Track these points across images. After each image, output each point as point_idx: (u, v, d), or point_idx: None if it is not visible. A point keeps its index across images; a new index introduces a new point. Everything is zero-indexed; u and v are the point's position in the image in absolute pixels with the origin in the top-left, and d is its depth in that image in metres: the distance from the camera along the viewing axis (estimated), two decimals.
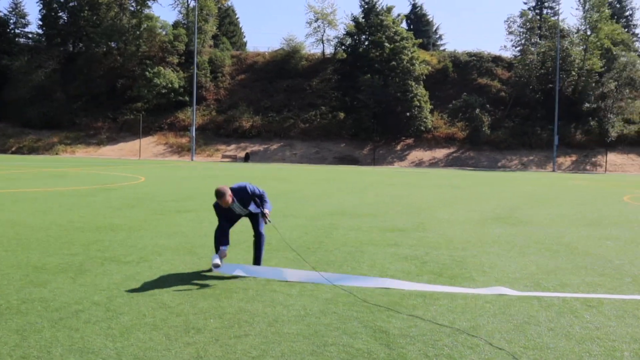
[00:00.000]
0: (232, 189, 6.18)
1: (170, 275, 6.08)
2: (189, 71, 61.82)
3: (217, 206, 6.21)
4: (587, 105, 58.89)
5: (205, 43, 66.53)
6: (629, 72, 57.51)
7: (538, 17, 66.39)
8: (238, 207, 6.28)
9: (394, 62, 59.00)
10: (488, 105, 61.14)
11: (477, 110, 59.02)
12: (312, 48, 73.64)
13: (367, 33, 62.15)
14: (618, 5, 74.29)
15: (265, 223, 6.34)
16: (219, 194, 6.06)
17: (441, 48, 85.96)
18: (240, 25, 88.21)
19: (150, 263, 6.63)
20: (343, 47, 65.45)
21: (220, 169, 34.47)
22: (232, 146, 58.90)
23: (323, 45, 72.44)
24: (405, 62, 59.33)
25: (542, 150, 57.89)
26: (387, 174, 35.72)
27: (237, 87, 67.14)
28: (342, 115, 61.44)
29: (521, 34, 65.15)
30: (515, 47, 67.97)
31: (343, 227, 10.26)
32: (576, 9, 61.40)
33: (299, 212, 12.57)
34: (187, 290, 5.43)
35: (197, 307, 4.88)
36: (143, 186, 18.69)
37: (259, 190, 6.36)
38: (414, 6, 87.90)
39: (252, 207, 6.30)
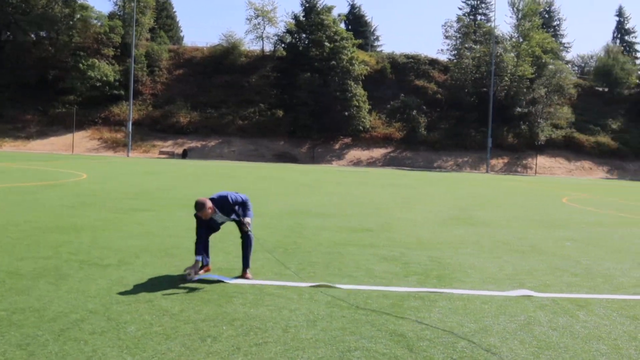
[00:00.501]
0: (212, 200, 5.98)
1: (157, 278, 5.83)
2: (124, 64, 59.77)
3: (197, 216, 5.96)
4: (518, 109, 61.53)
5: (141, 36, 64.55)
6: (558, 79, 60.52)
7: (473, 23, 68.57)
8: (219, 217, 6.09)
9: (333, 62, 59.42)
10: (424, 107, 62.64)
11: (414, 112, 60.41)
12: (251, 45, 73.14)
13: (308, 32, 62.25)
14: (547, 16, 77.97)
15: (245, 232, 6.12)
16: (199, 206, 5.82)
17: (378, 49, 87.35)
18: (177, 19, 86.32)
19: (131, 266, 6.33)
20: (283, 45, 65.29)
21: (162, 165, 33.57)
22: (169, 142, 57.46)
23: (262, 42, 72.05)
24: (344, 62, 59.89)
25: (475, 152, 59.93)
26: (330, 172, 35.91)
27: (174, 82, 65.57)
28: (280, 112, 61.23)
29: (457, 38, 67.10)
30: (451, 51, 70.05)
31: (311, 227, 10.20)
32: (510, 17, 63.61)
33: (260, 211, 12.38)
34: (183, 295, 5.23)
35: (202, 313, 4.70)
36: (87, 183, 17.90)
37: (242, 198, 6.17)
38: (352, 7, 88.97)
39: (235, 215, 6.12)
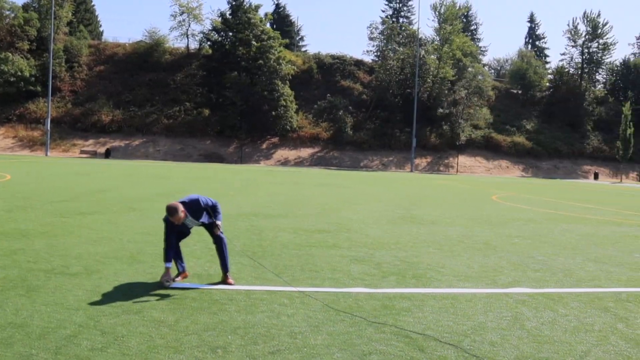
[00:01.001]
0: (183, 203, 5.77)
1: (133, 286, 5.54)
2: (41, 59, 56.59)
3: (167, 221, 5.72)
4: (440, 110, 63.64)
5: (59, 29, 61.34)
6: (478, 81, 63.12)
7: (397, 25, 70.16)
8: (190, 222, 5.90)
9: (261, 61, 59.00)
10: (351, 107, 63.50)
11: (341, 112, 61.11)
12: (176, 42, 71.16)
13: (235, 30, 61.43)
14: (465, 20, 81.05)
15: (217, 235, 5.97)
16: (172, 211, 5.61)
17: (303, 49, 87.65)
18: (97, 14, 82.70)
19: (102, 274, 5.98)
20: (209, 43, 64.13)
21: (89, 166, 32.02)
22: (91, 141, 54.99)
23: (188, 40, 70.36)
24: (272, 62, 59.60)
25: (400, 152, 61.44)
26: (262, 172, 35.62)
27: (95, 79, 62.76)
28: (207, 112, 60.11)
29: (382, 40, 68.39)
30: (376, 53, 71.36)
31: (268, 229, 10.07)
32: (432, 21, 65.58)
33: None
34: (172, 304, 4.99)
35: (199, 322, 4.49)
36: (14, 184, 16.78)
37: (212, 202, 6.01)
38: (277, 6, 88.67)
39: (205, 219, 5.95)
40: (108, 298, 5.06)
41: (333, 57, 73.09)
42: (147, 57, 66.15)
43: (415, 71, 61.44)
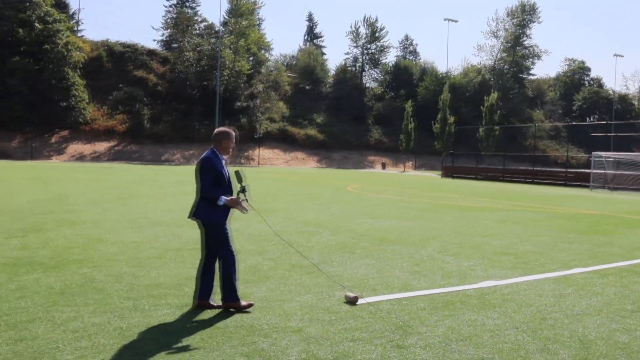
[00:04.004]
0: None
1: (119, 309, 5.39)
2: None
3: (213, 168, 5.51)
4: (238, 103, 67.45)
5: None
6: (275, 75, 68.30)
7: (195, 16, 71.98)
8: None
9: (47, 46, 56.46)
10: (147, 99, 63.92)
11: (138, 104, 61.32)
12: None
13: (14, 9, 57.51)
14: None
15: (245, 212, 5.70)
16: (227, 132, 5.67)
17: (81, 34, 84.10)
18: None
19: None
20: None
21: None
22: None
23: None
24: (60, 47, 57.38)
25: (201, 145, 63.71)
26: (78, 169, 35.51)
27: None
28: None
29: (177, 33, 69.51)
30: (172, 43, 72.31)
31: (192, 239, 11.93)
32: (228, 15, 68.84)
33: (113, 219, 13.99)
34: (175, 326, 4.97)
35: (226, 344, 4.50)
36: None
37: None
38: None
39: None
40: (110, 328, 6.95)
41: (124, 45, 72.15)
42: None
43: (212, 64, 64.24)
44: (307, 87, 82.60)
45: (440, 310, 5.80)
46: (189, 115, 65.90)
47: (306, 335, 4.84)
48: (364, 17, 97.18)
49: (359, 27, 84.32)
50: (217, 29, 68.48)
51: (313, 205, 17.12)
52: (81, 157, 56.15)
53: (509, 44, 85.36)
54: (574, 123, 72.16)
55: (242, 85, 67.94)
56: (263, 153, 66.18)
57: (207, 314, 5.41)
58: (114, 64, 69.26)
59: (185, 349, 4.45)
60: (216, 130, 5.75)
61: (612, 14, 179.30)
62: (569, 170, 40.70)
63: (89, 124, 59.78)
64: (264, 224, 11.09)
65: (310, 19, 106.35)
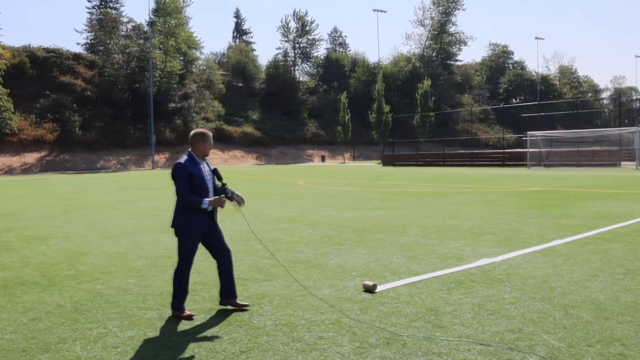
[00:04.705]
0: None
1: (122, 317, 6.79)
2: None
3: (185, 173, 5.29)
4: (172, 105, 66.12)
5: None
6: (208, 74, 67.38)
7: (121, 17, 69.80)
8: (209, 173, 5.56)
9: None
10: (75, 105, 61.67)
11: (67, 111, 59.10)
12: None
13: None
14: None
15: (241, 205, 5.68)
16: (202, 134, 5.48)
17: None
18: None
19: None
20: None
21: None
22: None
23: None
24: None
25: (135, 149, 62.23)
26: (12, 184, 34.03)
27: None
28: None
29: (104, 35, 67.38)
30: (99, 46, 69.99)
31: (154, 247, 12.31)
32: (155, 16, 67.25)
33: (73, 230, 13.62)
34: (212, 330, 4.93)
35: (277, 342, 4.58)
36: None
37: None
38: None
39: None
40: (118, 341, 7.07)
41: (47, 50, 69.17)
42: None
43: (143, 65, 62.71)
44: (240, 84, 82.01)
45: (455, 289, 6.08)
46: (121, 120, 64.07)
47: (347, 325, 4.98)
48: (294, 11, 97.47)
49: (289, 21, 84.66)
50: (145, 29, 66.78)
51: (272, 201, 17.19)
52: (10, 171, 53.56)
53: (436, 32, 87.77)
54: (504, 105, 75.18)
55: (175, 85, 66.61)
56: None
57: (236, 314, 5.44)
58: (38, 70, 66.25)
59: (239, 351, 4.48)
60: (192, 132, 5.56)
61: None
62: (505, 150, 42.43)
63: (16, 134, 57.06)
64: (238, 224, 11.19)
65: (237, 15, 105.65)
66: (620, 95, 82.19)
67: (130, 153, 61.97)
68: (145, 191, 23.06)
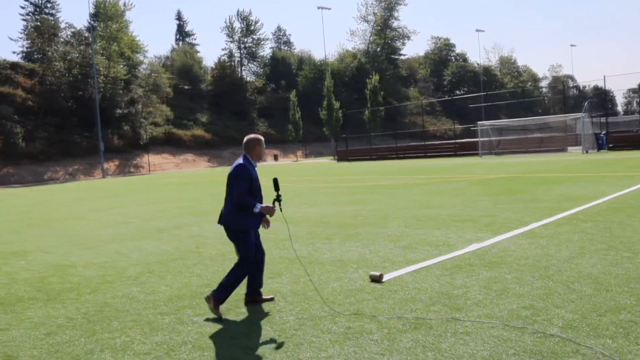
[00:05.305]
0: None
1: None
2: None
3: (248, 175, 5.70)
4: (118, 111, 64.69)
5: None
6: (154, 78, 66.23)
7: (61, 24, 67.77)
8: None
9: None
10: (17, 116, 59.58)
11: (9, 123, 57.07)
12: None
13: None
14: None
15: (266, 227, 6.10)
16: (258, 139, 5.90)
17: None
18: None
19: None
20: None
21: None
22: None
23: None
24: None
25: (84, 158, 60.58)
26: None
27: None
28: None
29: (43, 40, 65.25)
30: (36, 54, 67.79)
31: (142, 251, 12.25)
32: (95, 21, 65.59)
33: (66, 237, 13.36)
34: (246, 329, 5.08)
35: (317, 335, 4.72)
36: None
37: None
38: None
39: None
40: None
41: None
42: None
43: (86, 72, 61.11)
44: (187, 87, 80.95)
45: (457, 274, 6.39)
46: (67, 129, 62.21)
47: (369, 314, 5.18)
48: (238, 11, 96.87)
49: (234, 21, 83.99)
50: (85, 35, 65.04)
51: None
52: None
53: (379, 27, 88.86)
54: (451, 97, 76.89)
55: (121, 91, 65.09)
56: (152, 159, 64.11)
57: (255, 312, 5.58)
58: None
59: (273, 347, 4.58)
60: (247, 137, 5.85)
61: None
62: (457, 141, 43.55)
63: None
64: None
65: (179, 17, 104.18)
66: (563, 84, 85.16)
67: (79, 162, 60.30)
68: (106, 200, 22.65)
